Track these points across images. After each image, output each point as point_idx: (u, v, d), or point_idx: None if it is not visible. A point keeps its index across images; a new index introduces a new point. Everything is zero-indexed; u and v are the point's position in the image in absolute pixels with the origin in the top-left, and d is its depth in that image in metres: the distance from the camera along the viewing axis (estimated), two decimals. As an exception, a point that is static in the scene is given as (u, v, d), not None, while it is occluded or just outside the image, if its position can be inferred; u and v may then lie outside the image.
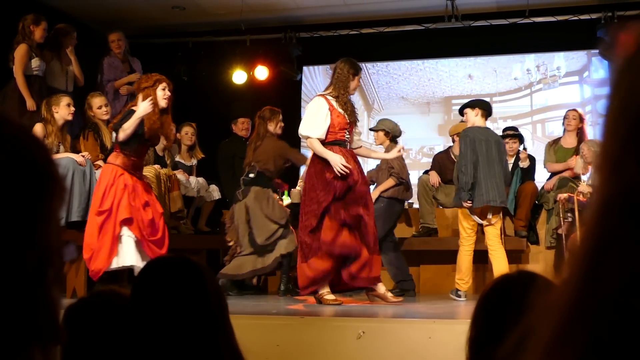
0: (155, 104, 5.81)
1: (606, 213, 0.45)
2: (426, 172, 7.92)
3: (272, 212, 6.74)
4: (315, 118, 5.76)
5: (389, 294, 5.88)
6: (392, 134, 6.90)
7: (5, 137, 0.69)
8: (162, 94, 5.93)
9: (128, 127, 5.69)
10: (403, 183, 6.77)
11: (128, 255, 5.63)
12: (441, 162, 7.76)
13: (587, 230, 0.46)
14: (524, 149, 7.79)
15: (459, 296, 6.38)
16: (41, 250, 0.67)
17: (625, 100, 0.46)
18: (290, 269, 6.97)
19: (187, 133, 7.96)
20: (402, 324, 4.45)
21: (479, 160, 6.33)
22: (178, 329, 1.67)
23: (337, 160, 5.58)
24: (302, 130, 5.83)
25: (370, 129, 7.44)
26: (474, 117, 6.50)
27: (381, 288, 5.87)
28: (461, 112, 6.73)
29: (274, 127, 6.98)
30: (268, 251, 6.73)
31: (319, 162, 5.75)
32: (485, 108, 6.60)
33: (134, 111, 5.85)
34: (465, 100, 9.81)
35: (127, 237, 5.75)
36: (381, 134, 6.93)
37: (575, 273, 0.45)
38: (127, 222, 5.74)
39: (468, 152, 6.33)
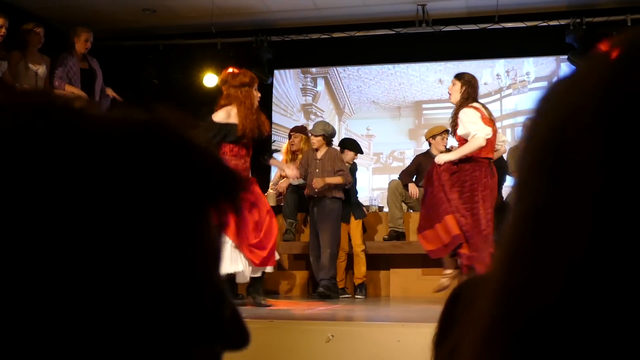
0: (253, 104, 5.76)
1: (518, 227, 0.48)
2: (399, 177, 7.87)
3: None
4: None
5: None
6: (328, 137, 7.09)
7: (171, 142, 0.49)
8: (257, 94, 5.85)
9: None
10: (347, 185, 7.07)
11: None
12: (421, 163, 7.68)
13: (503, 242, 0.49)
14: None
15: None
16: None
17: (536, 130, 0.49)
18: None
19: None
20: (371, 328, 4.46)
21: None
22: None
23: None
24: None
25: (310, 134, 7.36)
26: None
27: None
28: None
29: None
30: None
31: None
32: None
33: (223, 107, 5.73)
34: (436, 105, 9.95)
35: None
36: (321, 138, 7.04)
37: (493, 281, 0.48)
38: None
39: None
